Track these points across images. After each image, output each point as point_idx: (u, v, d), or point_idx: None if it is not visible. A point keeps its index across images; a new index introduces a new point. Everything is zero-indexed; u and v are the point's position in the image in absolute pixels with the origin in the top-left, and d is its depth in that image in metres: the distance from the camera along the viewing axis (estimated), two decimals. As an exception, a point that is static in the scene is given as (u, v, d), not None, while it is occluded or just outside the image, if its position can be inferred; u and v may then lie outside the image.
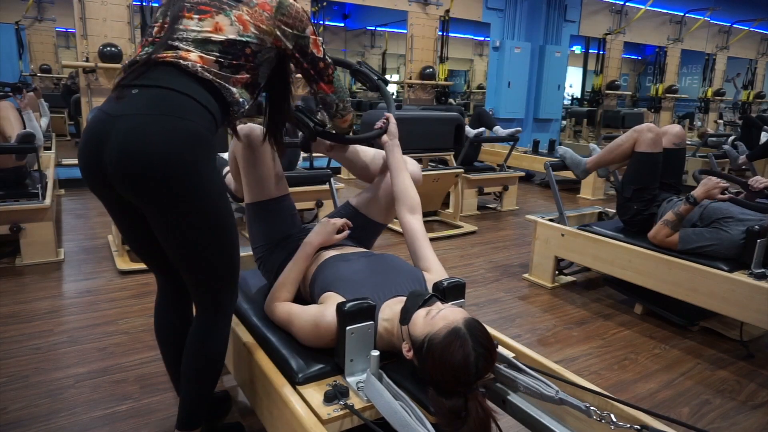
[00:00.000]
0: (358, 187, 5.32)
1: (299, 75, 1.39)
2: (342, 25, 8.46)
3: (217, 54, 1.16)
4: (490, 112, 6.13)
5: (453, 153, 4.33)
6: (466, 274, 3.15)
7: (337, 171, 5.83)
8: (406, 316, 1.17)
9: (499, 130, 4.96)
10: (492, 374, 1.24)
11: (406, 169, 1.62)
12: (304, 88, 5.17)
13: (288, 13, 1.23)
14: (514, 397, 1.23)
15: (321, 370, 1.26)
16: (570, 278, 3.10)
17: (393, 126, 1.66)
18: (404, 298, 1.24)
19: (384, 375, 1.15)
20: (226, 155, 2.06)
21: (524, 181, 6.13)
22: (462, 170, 4.21)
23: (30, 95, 4.01)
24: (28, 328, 2.26)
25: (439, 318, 1.11)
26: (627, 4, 7.46)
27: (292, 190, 1.70)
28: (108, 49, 4.36)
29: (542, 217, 3.05)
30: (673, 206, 2.45)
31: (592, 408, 1.09)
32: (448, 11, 6.14)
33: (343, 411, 1.13)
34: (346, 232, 1.55)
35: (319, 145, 1.63)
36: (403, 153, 1.65)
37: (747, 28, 8.81)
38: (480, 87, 8.62)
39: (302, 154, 4.53)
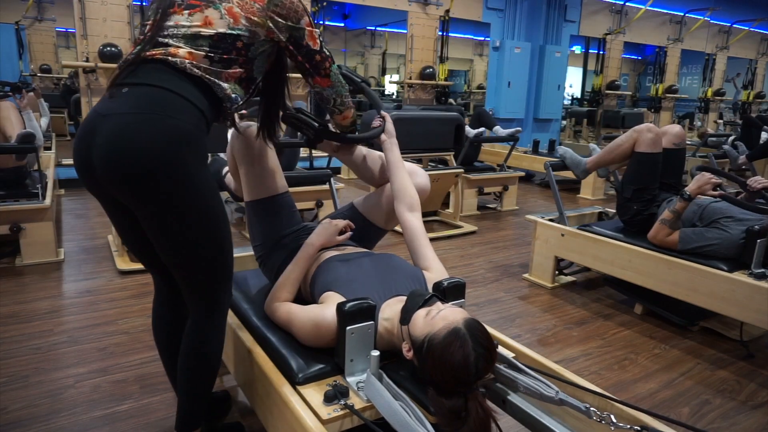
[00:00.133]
0: (358, 188, 5.33)
1: (299, 75, 1.37)
2: (342, 25, 8.47)
3: (207, 49, 1.14)
4: (490, 112, 6.13)
5: (453, 153, 4.33)
6: (466, 274, 3.15)
7: (337, 171, 5.83)
8: (406, 316, 1.17)
9: (499, 130, 4.96)
10: (492, 374, 1.24)
11: (404, 167, 1.62)
12: (304, 88, 5.17)
13: (281, 3, 1.20)
14: (514, 397, 1.23)
15: (321, 370, 1.26)
16: (570, 278, 3.10)
17: (389, 125, 1.65)
18: (404, 298, 1.24)
19: (384, 375, 1.15)
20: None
21: (524, 181, 6.13)
22: (462, 170, 4.21)
23: (30, 95, 4.01)
24: (28, 328, 2.26)
25: (439, 318, 1.11)
26: (627, 4, 7.46)
27: (292, 190, 1.70)
28: (108, 49, 4.36)
29: (542, 217, 3.05)
30: (674, 204, 2.45)
31: (592, 408, 1.09)
32: (448, 11, 6.14)
33: (343, 411, 1.13)
34: (348, 234, 1.55)
35: (326, 145, 1.62)
36: (403, 153, 1.65)
37: (747, 28, 8.81)
38: (480, 87, 8.62)
39: (301, 154, 4.53)
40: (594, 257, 2.73)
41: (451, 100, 6.66)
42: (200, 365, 1.30)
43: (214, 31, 1.14)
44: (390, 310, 1.27)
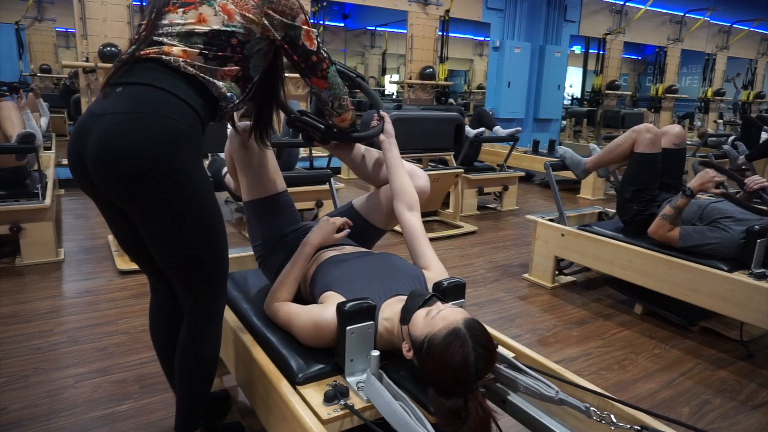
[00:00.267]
0: (358, 187, 5.33)
1: (299, 74, 1.36)
2: (342, 25, 8.47)
3: (201, 46, 1.13)
4: (490, 112, 6.13)
5: (453, 153, 4.33)
6: (466, 274, 3.15)
7: (337, 171, 5.83)
8: (406, 315, 1.17)
9: (499, 130, 4.96)
10: (492, 374, 1.24)
11: (404, 167, 1.62)
12: (304, 89, 5.17)
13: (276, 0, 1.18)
14: (514, 397, 1.23)
15: (321, 370, 1.26)
16: (570, 278, 3.10)
17: (388, 124, 1.65)
18: (404, 298, 1.24)
19: (384, 375, 1.15)
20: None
21: (524, 181, 6.13)
22: (462, 170, 4.21)
23: (30, 96, 4.01)
24: (28, 328, 2.26)
25: (440, 318, 1.11)
26: (627, 4, 7.46)
27: (292, 190, 1.70)
28: (108, 49, 4.36)
29: (542, 217, 3.05)
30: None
31: (592, 408, 1.09)
32: (448, 11, 6.14)
33: (343, 411, 1.13)
34: (346, 231, 1.55)
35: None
36: (403, 153, 1.65)
37: (747, 28, 8.81)
38: (480, 87, 8.62)
39: (301, 154, 4.53)
40: (594, 257, 2.73)
41: (451, 100, 6.66)
42: (197, 366, 1.30)
43: (209, 28, 1.13)
44: (390, 309, 1.27)
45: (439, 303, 1.18)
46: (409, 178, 1.61)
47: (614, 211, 3.01)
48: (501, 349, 1.27)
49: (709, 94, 8.96)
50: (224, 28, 1.14)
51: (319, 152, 5.34)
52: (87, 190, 1.18)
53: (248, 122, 1.48)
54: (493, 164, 5.14)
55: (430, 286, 1.38)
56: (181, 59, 1.11)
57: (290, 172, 3.51)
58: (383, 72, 9.05)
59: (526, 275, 3.12)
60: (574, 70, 8.56)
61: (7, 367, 1.95)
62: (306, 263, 1.47)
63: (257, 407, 1.43)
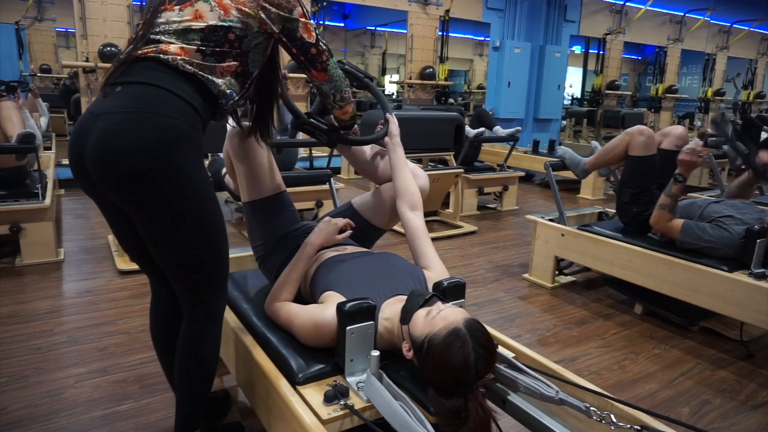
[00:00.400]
0: (358, 188, 5.33)
1: (300, 74, 1.36)
2: (342, 25, 8.47)
3: (199, 42, 1.12)
4: (490, 112, 6.13)
5: (453, 153, 4.33)
6: (466, 274, 3.15)
7: (337, 171, 5.83)
8: (406, 315, 1.17)
9: (499, 130, 4.96)
10: (492, 374, 1.24)
11: (408, 167, 1.62)
12: (304, 88, 5.17)
13: None
14: (514, 397, 1.23)
15: (321, 370, 1.26)
16: (570, 278, 3.10)
17: (393, 126, 1.65)
18: (404, 298, 1.24)
19: (384, 375, 1.15)
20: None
21: (524, 181, 6.13)
22: (462, 170, 4.21)
23: (29, 96, 4.00)
24: (28, 328, 2.26)
25: (440, 318, 1.11)
26: (627, 4, 7.46)
27: (292, 190, 1.70)
28: (108, 49, 4.36)
29: (542, 217, 3.05)
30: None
31: (592, 408, 1.09)
32: (448, 11, 6.14)
33: (343, 411, 1.13)
34: (348, 232, 1.55)
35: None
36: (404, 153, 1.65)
37: (747, 28, 8.81)
38: (480, 87, 8.63)
39: (301, 154, 4.53)
40: (594, 257, 2.73)
41: (451, 100, 6.67)
42: (197, 366, 1.30)
43: (205, 24, 1.12)
44: (390, 309, 1.27)
45: (439, 303, 1.18)
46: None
47: (614, 211, 3.01)
48: (501, 349, 1.27)
49: (709, 94, 8.96)
50: (221, 24, 1.13)
51: (319, 152, 5.34)
52: (88, 191, 1.18)
53: (245, 123, 1.49)
54: (493, 164, 5.14)
55: (430, 286, 1.38)
56: (179, 57, 1.11)
57: (290, 172, 3.51)
58: (383, 72, 9.05)
59: (526, 275, 3.12)
60: (574, 70, 8.56)
61: (7, 367, 1.95)
62: (307, 264, 1.47)
63: (257, 407, 1.43)
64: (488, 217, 4.65)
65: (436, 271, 1.46)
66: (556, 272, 3.03)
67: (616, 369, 2.13)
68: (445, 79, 6.40)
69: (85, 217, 4.03)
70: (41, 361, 2.01)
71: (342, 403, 1.15)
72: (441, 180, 4.00)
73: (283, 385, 1.24)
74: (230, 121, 1.46)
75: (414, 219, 1.54)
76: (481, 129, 4.67)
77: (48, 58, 6.81)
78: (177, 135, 1.07)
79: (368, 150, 1.73)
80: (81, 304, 2.52)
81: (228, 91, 1.18)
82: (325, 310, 1.26)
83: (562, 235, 2.86)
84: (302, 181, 3.21)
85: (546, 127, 7.34)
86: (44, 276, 2.85)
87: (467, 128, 4.52)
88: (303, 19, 1.23)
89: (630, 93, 9.50)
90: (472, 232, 4.09)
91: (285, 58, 1.40)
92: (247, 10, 1.15)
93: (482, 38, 8.33)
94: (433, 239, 3.74)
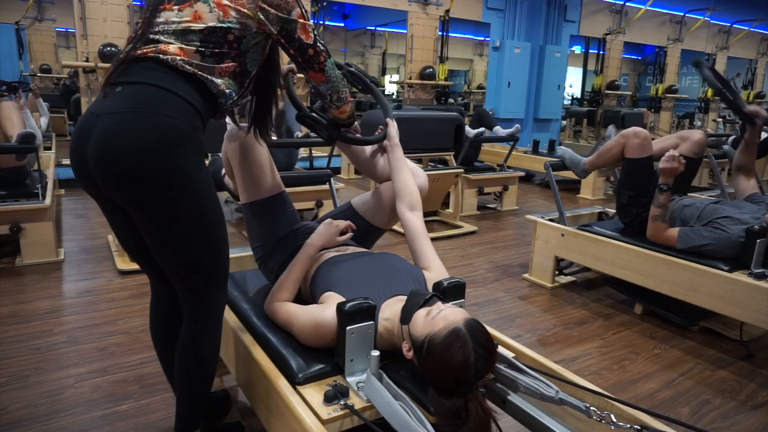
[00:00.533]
0: (358, 187, 5.33)
1: (301, 75, 1.36)
2: (342, 25, 8.47)
3: (198, 44, 1.12)
4: (490, 112, 6.13)
5: (453, 153, 4.33)
6: (466, 274, 3.15)
7: (337, 171, 5.83)
8: (406, 315, 1.17)
9: (499, 130, 4.97)
10: (492, 374, 1.24)
11: (407, 167, 1.62)
12: (304, 89, 5.17)
13: None
14: (514, 397, 1.23)
15: (321, 370, 1.26)
16: (570, 278, 3.10)
17: (393, 129, 1.66)
18: (404, 298, 1.24)
19: (384, 375, 1.15)
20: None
21: (524, 181, 6.13)
22: (462, 170, 4.21)
23: (29, 96, 4.00)
24: (28, 328, 2.26)
25: (440, 318, 1.11)
26: (627, 4, 7.46)
27: (292, 190, 1.70)
28: (108, 49, 4.36)
29: (542, 217, 3.05)
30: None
31: (592, 408, 1.09)
32: (448, 11, 6.14)
33: (343, 411, 1.13)
34: (349, 234, 1.55)
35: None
36: (404, 154, 1.65)
37: (747, 28, 8.81)
38: (480, 87, 8.63)
39: (301, 154, 4.53)
40: (594, 257, 2.73)
41: (451, 100, 6.67)
42: (197, 366, 1.30)
43: (204, 26, 1.12)
44: (390, 309, 1.27)
45: (439, 303, 1.18)
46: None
47: (614, 211, 3.01)
48: (501, 349, 1.27)
49: (709, 94, 8.96)
50: (220, 25, 1.13)
51: (319, 152, 5.34)
52: (89, 190, 1.18)
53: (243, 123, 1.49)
54: (493, 164, 5.14)
55: (430, 286, 1.38)
56: (178, 57, 1.11)
57: (290, 172, 3.52)
58: (383, 72, 9.05)
59: (526, 275, 3.12)
60: (574, 70, 8.56)
61: (7, 367, 1.95)
62: (308, 265, 1.47)
63: (257, 407, 1.43)
64: (488, 217, 4.65)
65: (435, 272, 1.46)
66: (556, 272, 3.03)
67: (616, 369, 2.13)
68: (445, 79, 6.40)
69: (85, 217, 4.03)
70: (41, 361, 2.01)
71: (342, 403, 1.15)
72: (441, 180, 4.00)
73: (283, 385, 1.24)
74: (229, 121, 1.46)
75: (413, 219, 1.54)
76: (481, 129, 4.67)
77: (48, 58, 6.81)
78: (177, 135, 1.08)
79: (368, 147, 1.73)
80: (81, 304, 2.52)
81: (227, 91, 1.19)
82: (325, 310, 1.26)
83: (562, 235, 2.86)
84: (302, 181, 3.21)
85: (546, 127, 7.34)
86: (44, 276, 2.85)
87: (467, 128, 4.52)
88: (301, 20, 1.23)
89: (630, 93, 9.49)
90: (472, 232, 4.09)
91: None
92: (245, 11, 1.15)
93: (482, 38, 8.33)
94: (433, 239, 3.73)
